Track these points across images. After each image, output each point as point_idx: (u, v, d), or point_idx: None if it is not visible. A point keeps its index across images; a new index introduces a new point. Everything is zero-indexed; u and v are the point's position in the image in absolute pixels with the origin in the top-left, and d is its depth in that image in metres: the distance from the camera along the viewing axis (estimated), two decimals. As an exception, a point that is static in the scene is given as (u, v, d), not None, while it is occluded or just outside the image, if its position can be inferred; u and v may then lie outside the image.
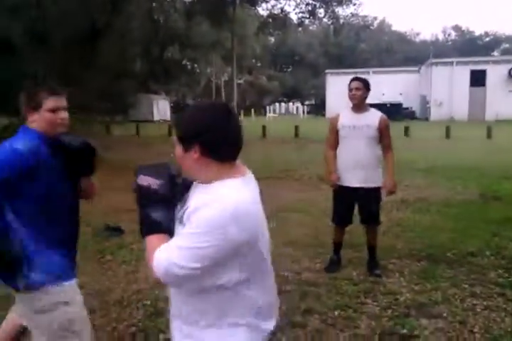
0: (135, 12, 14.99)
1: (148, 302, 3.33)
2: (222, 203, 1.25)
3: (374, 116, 3.83)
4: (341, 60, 58.42)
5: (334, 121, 3.95)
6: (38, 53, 11.21)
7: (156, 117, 37.21)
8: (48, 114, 1.94)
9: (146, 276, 3.88)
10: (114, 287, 3.66)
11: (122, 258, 4.40)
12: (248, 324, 1.40)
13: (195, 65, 49.39)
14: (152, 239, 1.36)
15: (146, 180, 1.39)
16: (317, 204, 6.76)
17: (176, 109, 42.11)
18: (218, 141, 1.32)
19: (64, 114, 1.99)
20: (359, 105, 3.84)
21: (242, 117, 33.13)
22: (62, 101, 2.00)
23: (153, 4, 23.09)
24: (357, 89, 3.80)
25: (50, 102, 1.95)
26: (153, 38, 22.57)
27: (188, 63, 47.89)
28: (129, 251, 4.59)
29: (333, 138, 3.96)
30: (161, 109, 39.40)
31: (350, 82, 3.87)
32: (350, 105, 3.92)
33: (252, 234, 1.31)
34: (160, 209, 1.38)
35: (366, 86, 3.84)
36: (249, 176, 1.43)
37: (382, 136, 3.81)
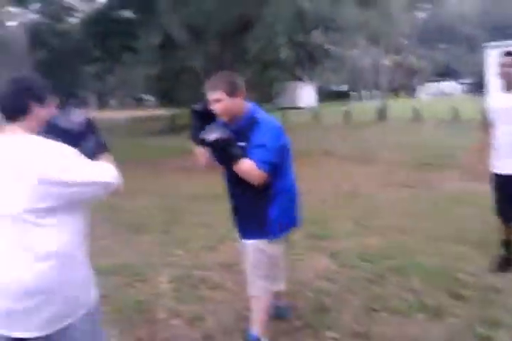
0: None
1: (312, 295, 3.25)
2: None
3: None
4: (504, 31, 51.98)
5: (487, 102, 3.59)
6: (196, 47, 11.94)
7: (302, 104, 37.53)
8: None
9: (308, 265, 3.84)
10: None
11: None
12: None
13: (339, 49, 48.39)
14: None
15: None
16: (485, 195, 6.03)
17: (321, 94, 42.11)
18: None
19: (215, 106, 2.35)
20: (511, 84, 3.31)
21: (389, 99, 31.61)
22: (213, 95, 2.35)
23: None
24: (509, 65, 3.25)
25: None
26: (298, 24, 22.49)
27: (331, 47, 47.17)
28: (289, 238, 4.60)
29: (484, 120, 3.59)
30: (306, 95, 39.61)
31: (501, 57, 3.31)
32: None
33: None
34: None
35: None
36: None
37: None
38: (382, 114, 21.36)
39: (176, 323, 2.96)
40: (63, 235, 1.60)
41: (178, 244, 4.61)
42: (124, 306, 3.14)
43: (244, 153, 2.28)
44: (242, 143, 2.28)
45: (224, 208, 5.87)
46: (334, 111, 26.82)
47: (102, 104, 61.95)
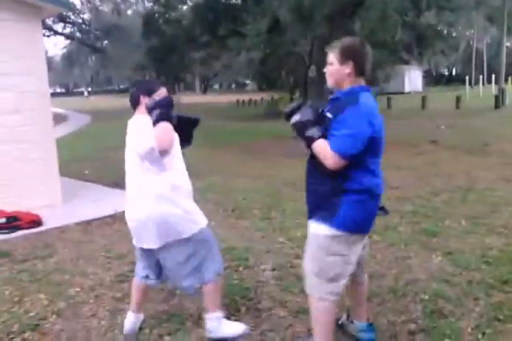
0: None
1: (426, 297, 3.01)
2: None
3: None
4: None
5: None
6: (303, 31, 11.71)
7: (407, 88, 35.71)
8: None
9: (421, 264, 3.59)
10: (385, 273, 3.47)
11: (390, 240, 4.18)
12: None
13: (452, 29, 44.89)
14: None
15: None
16: None
17: (429, 78, 39.65)
18: None
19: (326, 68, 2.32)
20: None
21: (508, 85, 28.82)
22: (327, 57, 2.29)
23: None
24: None
25: None
26: (410, 4, 21.22)
27: (444, 28, 43.90)
28: (396, 233, 4.35)
29: None
30: (413, 79, 37.55)
31: None
32: None
33: None
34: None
35: None
36: None
37: None
38: (498, 101, 19.53)
39: (280, 313, 2.91)
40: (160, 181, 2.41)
41: (280, 232, 4.57)
42: (229, 292, 3.16)
43: (324, 132, 2.12)
44: (330, 115, 2.13)
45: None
46: (444, 96, 25.14)
47: (206, 88, 64.19)
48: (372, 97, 2.20)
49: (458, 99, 20.17)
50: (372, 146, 2.12)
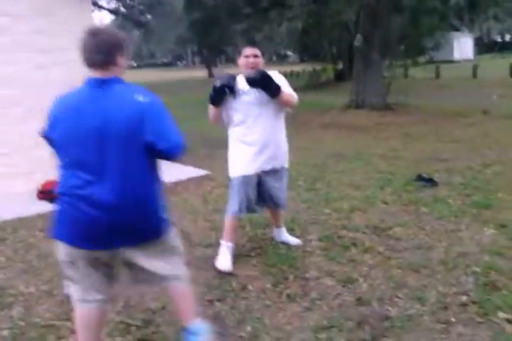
0: None
1: (479, 270, 2.95)
2: None
3: None
4: None
5: None
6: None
7: (457, 57, 34.03)
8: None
9: (472, 237, 3.50)
10: (434, 245, 3.41)
11: (439, 212, 4.09)
12: None
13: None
14: None
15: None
16: None
17: (480, 46, 37.51)
18: None
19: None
20: None
21: None
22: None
23: None
24: None
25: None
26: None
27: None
28: (446, 206, 4.25)
29: None
30: (463, 47, 35.68)
31: None
32: None
33: None
34: None
35: None
36: None
37: None
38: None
39: (328, 283, 2.93)
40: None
41: (325, 203, 4.55)
42: (277, 261, 3.20)
43: None
44: None
45: (368, 168, 5.73)
46: (496, 64, 23.80)
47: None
48: (78, 94, 2.02)
49: (512, 67, 19.08)
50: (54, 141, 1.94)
